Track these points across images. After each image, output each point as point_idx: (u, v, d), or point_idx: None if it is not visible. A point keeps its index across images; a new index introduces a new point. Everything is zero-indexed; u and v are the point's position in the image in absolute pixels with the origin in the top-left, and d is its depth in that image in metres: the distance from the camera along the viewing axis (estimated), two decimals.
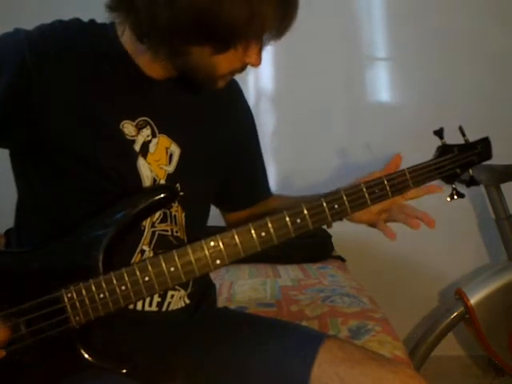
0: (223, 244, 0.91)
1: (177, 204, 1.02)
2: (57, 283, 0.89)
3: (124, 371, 0.91)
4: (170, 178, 1.01)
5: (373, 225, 1.06)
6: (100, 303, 0.89)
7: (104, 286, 0.89)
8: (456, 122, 1.06)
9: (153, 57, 0.93)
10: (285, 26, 0.91)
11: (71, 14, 0.99)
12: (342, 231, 1.51)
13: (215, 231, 0.92)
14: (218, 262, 0.91)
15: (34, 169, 0.98)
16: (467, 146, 1.05)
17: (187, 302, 1.05)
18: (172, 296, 1.02)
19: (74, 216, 0.95)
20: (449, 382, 2.30)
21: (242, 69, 0.95)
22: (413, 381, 0.94)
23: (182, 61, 0.91)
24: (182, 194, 1.02)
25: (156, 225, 1.00)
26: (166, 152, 1.01)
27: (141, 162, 0.98)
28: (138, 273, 0.89)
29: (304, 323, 1.45)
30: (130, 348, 0.98)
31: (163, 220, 1.01)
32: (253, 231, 0.91)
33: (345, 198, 0.95)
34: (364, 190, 0.97)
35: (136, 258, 0.98)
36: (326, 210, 0.94)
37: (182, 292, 1.04)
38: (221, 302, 1.26)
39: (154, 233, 1.00)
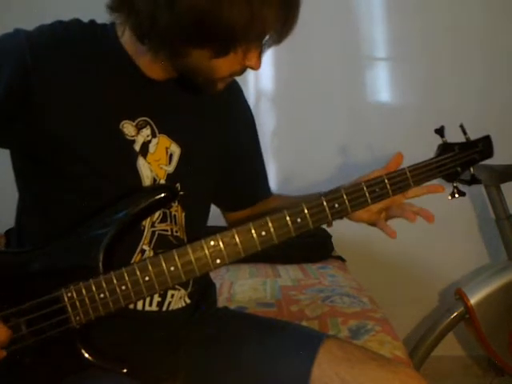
0: (223, 243, 0.91)
1: (177, 204, 1.02)
2: (57, 283, 0.89)
3: (124, 371, 0.91)
4: (170, 177, 1.01)
5: (373, 223, 1.06)
6: (100, 303, 0.89)
7: (104, 285, 0.89)
8: (456, 121, 1.06)
9: (153, 58, 0.93)
10: (286, 29, 0.90)
11: (71, 15, 0.99)
12: (341, 231, 1.52)
13: (215, 231, 0.92)
14: (218, 261, 0.91)
15: (34, 169, 0.98)
16: (468, 144, 1.05)
17: (187, 301, 1.05)
18: (172, 296, 1.02)
19: (74, 216, 0.95)
20: (449, 382, 2.30)
21: (242, 71, 0.95)
22: (413, 381, 0.94)
23: (181, 62, 0.91)
24: (181, 193, 1.02)
25: (156, 224, 1.00)
26: (166, 152, 1.01)
27: (141, 161, 0.98)
28: (138, 272, 0.90)
29: (304, 323, 1.45)
30: (130, 348, 0.98)
31: (163, 220, 1.01)
32: (253, 231, 0.91)
33: (345, 197, 0.95)
34: (364, 188, 0.97)
35: (136, 257, 0.98)
36: (327, 209, 0.94)
37: (183, 291, 1.04)
38: (221, 302, 1.26)
39: (153, 232, 1.00)
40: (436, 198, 1.03)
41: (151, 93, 1.00)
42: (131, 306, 0.96)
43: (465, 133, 1.06)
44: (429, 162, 1.02)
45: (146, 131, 0.99)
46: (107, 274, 0.90)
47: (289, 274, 1.96)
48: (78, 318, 0.89)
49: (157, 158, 0.99)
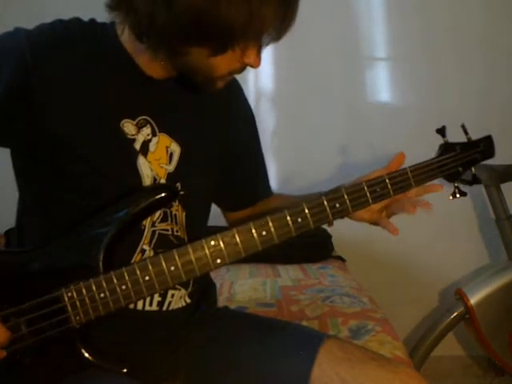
0: (224, 243, 0.91)
1: (177, 203, 1.02)
2: (57, 282, 0.89)
3: (124, 371, 0.91)
4: (171, 177, 1.01)
5: (374, 222, 1.06)
6: (100, 302, 0.89)
7: (104, 285, 0.89)
8: (457, 121, 1.06)
9: (152, 56, 0.93)
10: (284, 27, 0.90)
11: (71, 14, 0.99)
12: (342, 231, 1.51)
13: (216, 231, 0.92)
14: (218, 261, 0.91)
15: (35, 168, 0.97)
16: (470, 144, 1.05)
17: (188, 301, 1.05)
18: (172, 295, 1.02)
19: (74, 215, 0.94)
20: (449, 382, 2.30)
21: (241, 69, 0.95)
22: (413, 381, 0.94)
23: (180, 61, 0.91)
24: (182, 193, 1.01)
25: (156, 224, 1.00)
26: (167, 151, 1.01)
27: (141, 160, 0.98)
28: (138, 272, 0.89)
29: (304, 323, 1.45)
30: (130, 348, 0.98)
31: (163, 219, 1.01)
32: (253, 230, 0.91)
33: (346, 196, 0.95)
34: (365, 188, 0.96)
35: (136, 257, 0.98)
36: (327, 208, 0.94)
37: (183, 291, 1.04)
38: (221, 302, 1.25)
39: (154, 232, 1.00)
40: (436, 198, 1.03)
41: (151, 91, 1.00)
42: (131, 306, 0.96)
43: (466, 133, 1.05)
44: (430, 161, 1.02)
45: (147, 130, 0.99)
46: (107, 273, 0.89)
47: (289, 273, 1.96)
48: (78, 317, 0.89)
49: (157, 156, 0.99)
